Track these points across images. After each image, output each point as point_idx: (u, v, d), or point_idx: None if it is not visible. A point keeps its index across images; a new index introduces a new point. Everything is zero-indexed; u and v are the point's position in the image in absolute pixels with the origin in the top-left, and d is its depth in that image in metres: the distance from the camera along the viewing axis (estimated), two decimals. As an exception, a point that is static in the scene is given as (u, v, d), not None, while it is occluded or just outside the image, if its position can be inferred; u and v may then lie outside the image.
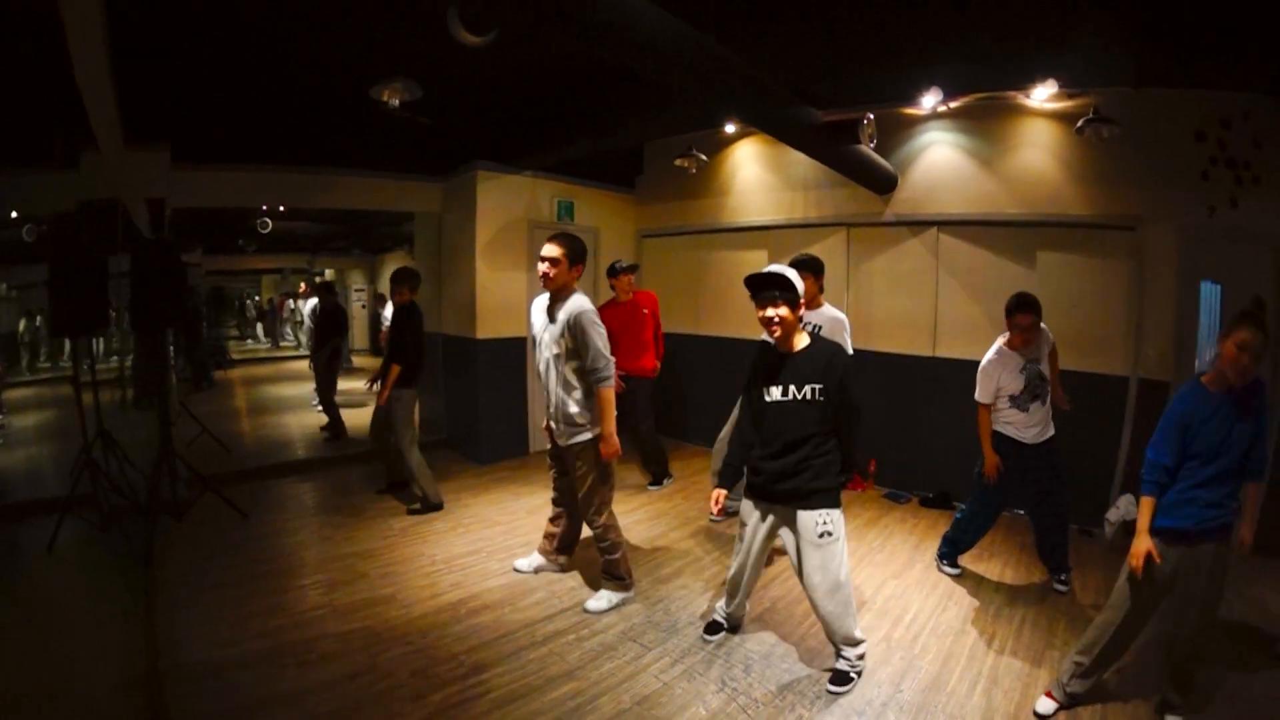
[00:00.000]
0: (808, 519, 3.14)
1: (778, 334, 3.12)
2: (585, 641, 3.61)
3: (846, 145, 5.08)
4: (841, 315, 4.53)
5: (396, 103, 4.79)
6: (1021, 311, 4.01)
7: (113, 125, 4.43)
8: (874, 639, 3.64)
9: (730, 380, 6.29)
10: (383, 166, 6.97)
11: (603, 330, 3.76)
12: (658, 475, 6.42)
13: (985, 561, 4.73)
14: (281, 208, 8.34)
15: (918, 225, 6.27)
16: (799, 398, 3.11)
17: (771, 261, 7.07)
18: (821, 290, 4.58)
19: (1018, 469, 4.17)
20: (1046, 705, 3.05)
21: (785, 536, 3.29)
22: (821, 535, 3.12)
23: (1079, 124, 4.98)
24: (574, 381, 3.81)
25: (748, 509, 3.40)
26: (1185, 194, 5.07)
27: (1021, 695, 3.19)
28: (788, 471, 3.15)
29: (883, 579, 4.46)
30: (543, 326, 3.89)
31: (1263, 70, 4.37)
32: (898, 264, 6.41)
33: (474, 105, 5.97)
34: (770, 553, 3.86)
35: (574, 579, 4.33)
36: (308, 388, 9.73)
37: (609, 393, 3.76)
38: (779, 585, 4.30)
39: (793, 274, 3.12)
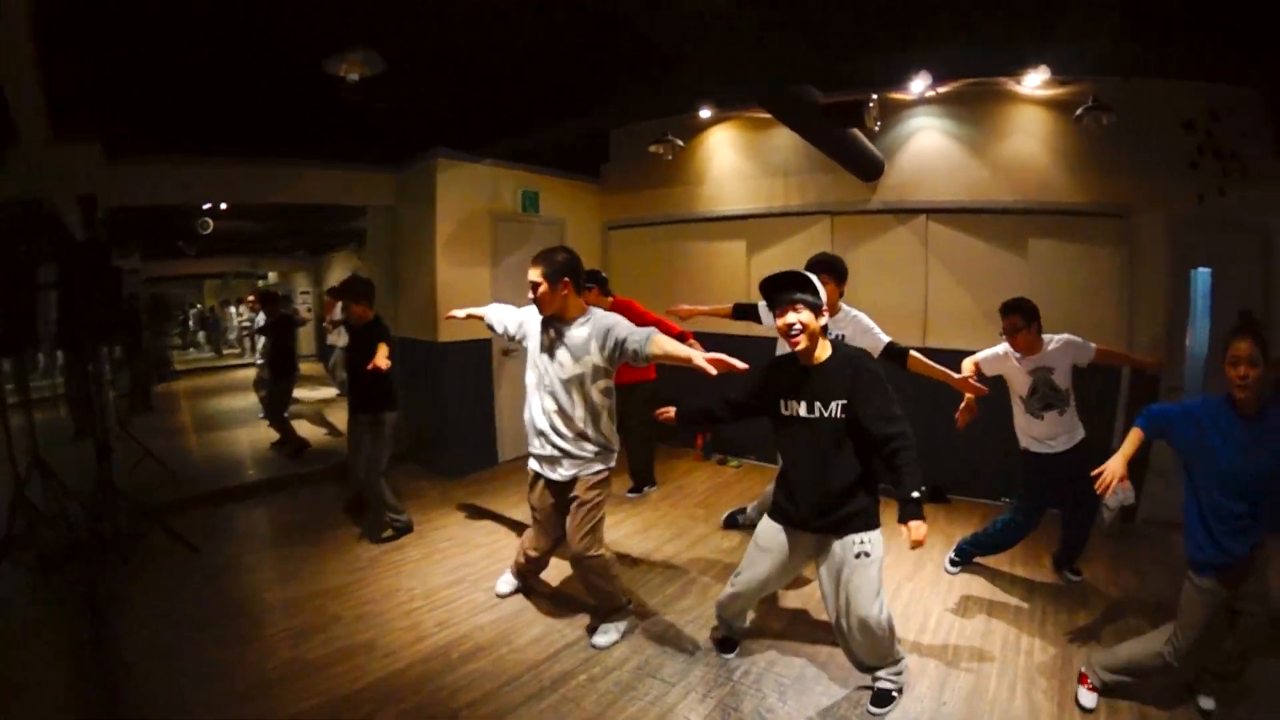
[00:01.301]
0: (844, 544, 2.88)
1: (800, 345, 2.78)
2: (599, 682, 3.24)
3: (849, 128, 4.81)
4: (861, 314, 4.30)
5: (355, 77, 4.29)
6: (1005, 314, 4.04)
7: (38, 115, 3.94)
8: (904, 648, 3.41)
9: (707, 378, 6.05)
10: (331, 156, 6.40)
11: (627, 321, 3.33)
12: (639, 483, 6.07)
13: (994, 556, 4.55)
14: (224, 205, 7.72)
15: (906, 213, 6.06)
16: (825, 415, 2.81)
17: (751, 253, 6.90)
18: (842, 295, 4.32)
19: (1053, 480, 4.15)
20: (1089, 698, 3.03)
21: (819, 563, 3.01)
22: (858, 555, 2.85)
23: (1079, 112, 4.93)
24: (598, 402, 3.41)
25: (770, 533, 3.08)
26: (1175, 182, 5.07)
27: (1060, 691, 3.13)
28: (828, 503, 2.87)
29: (897, 583, 4.22)
30: (542, 347, 3.44)
31: (1248, 65, 4.30)
32: (885, 252, 6.19)
33: (431, 87, 5.37)
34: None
35: (571, 607, 3.95)
36: (255, 398, 9.12)
37: (662, 338, 3.13)
38: (795, 598, 4.04)
39: (812, 275, 2.83)
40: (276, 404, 7.61)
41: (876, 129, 5.03)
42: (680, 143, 6.81)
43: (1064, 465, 4.07)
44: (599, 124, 6.80)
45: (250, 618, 3.83)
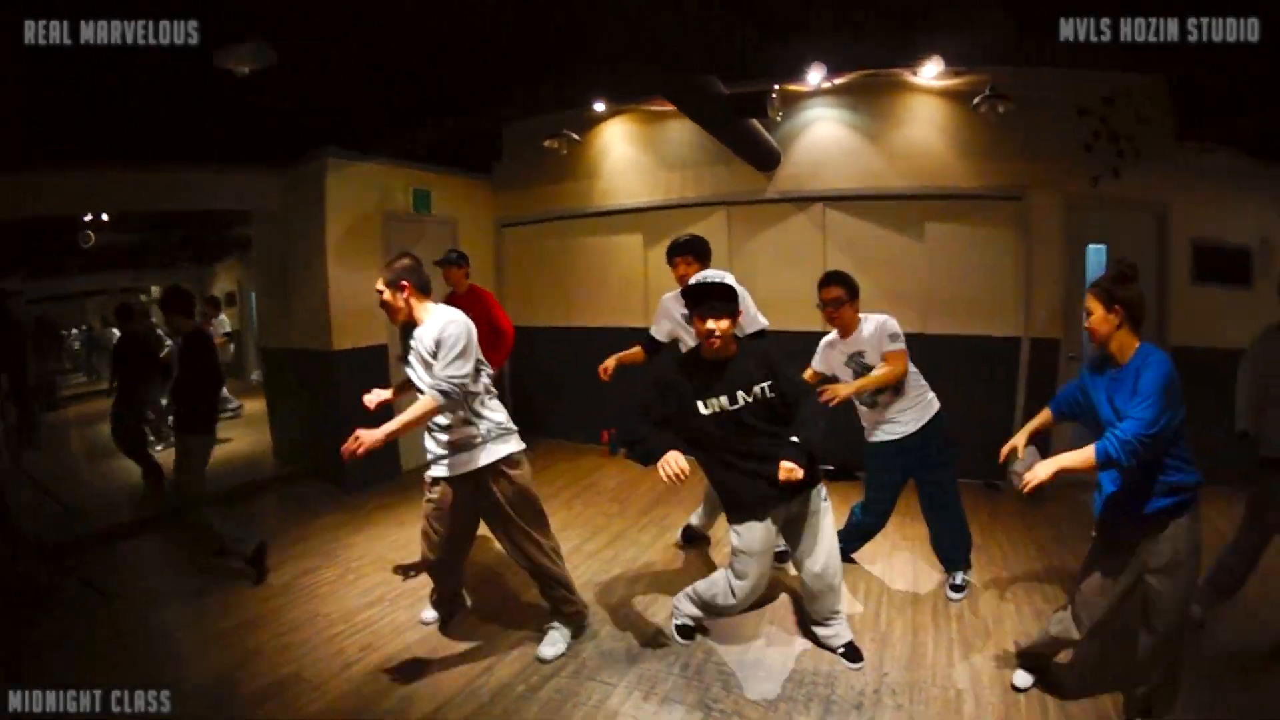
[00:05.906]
0: (807, 498, 3.15)
1: (716, 345, 3.01)
2: (538, 691, 3.16)
3: (752, 118, 4.85)
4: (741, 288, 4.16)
5: (245, 71, 4.02)
6: (826, 285, 3.74)
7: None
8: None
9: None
10: (212, 159, 5.91)
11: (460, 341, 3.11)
12: None
13: (918, 525, 4.32)
14: (105, 216, 7.14)
15: (803, 201, 6.20)
16: (750, 401, 3.02)
17: (648, 245, 6.92)
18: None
19: (906, 465, 3.82)
20: (1023, 679, 3.04)
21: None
22: (825, 499, 3.21)
23: (976, 100, 5.13)
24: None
25: (756, 535, 3.11)
26: (1069, 165, 5.39)
27: (995, 657, 3.27)
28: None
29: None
30: (405, 353, 3.37)
31: (1149, 52, 4.43)
32: (783, 241, 6.33)
33: (318, 83, 5.04)
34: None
35: (494, 616, 3.86)
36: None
37: (431, 402, 2.98)
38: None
39: (732, 281, 2.98)
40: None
41: (779, 119, 5.09)
42: (576, 136, 6.73)
43: (913, 448, 3.75)
44: (492, 118, 6.65)
45: (174, 657, 3.54)
